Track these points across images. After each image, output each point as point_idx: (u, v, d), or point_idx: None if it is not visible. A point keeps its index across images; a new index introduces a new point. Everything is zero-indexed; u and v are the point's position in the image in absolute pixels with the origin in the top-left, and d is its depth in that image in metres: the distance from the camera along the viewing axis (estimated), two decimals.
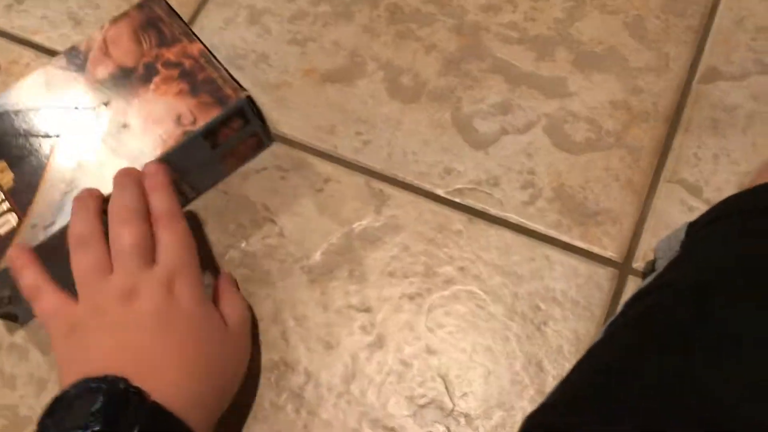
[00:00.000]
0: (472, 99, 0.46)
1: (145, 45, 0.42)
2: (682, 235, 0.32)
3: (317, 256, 0.43)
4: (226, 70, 0.42)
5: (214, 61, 0.42)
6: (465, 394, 0.39)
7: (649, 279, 0.30)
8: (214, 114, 0.40)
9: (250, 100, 0.41)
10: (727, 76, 0.45)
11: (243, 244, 0.43)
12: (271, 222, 0.44)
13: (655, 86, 0.46)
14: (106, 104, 0.41)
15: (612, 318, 0.30)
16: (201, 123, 0.40)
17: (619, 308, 0.30)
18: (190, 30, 0.43)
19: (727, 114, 0.44)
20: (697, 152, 0.43)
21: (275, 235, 0.43)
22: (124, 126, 0.41)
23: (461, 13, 0.49)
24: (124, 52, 0.43)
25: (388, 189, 0.44)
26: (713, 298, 0.24)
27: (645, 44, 0.47)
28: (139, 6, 0.45)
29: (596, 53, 0.47)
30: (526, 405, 0.38)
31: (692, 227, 0.31)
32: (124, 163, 0.39)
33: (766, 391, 0.21)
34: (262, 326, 0.41)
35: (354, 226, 0.43)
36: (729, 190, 0.42)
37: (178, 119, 0.40)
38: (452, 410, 0.38)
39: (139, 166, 0.38)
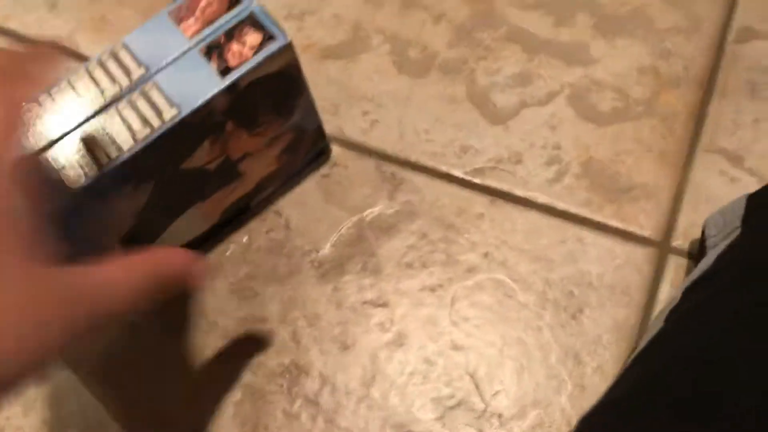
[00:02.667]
0: (487, 70, 0.43)
1: None
2: (740, 210, 0.28)
3: (327, 249, 0.39)
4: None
5: None
6: (497, 393, 0.35)
7: (708, 260, 0.27)
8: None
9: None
10: (762, 35, 0.42)
11: (245, 239, 0.40)
12: (275, 213, 0.40)
13: (685, 49, 0.42)
14: None
15: (672, 305, 0.26)
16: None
17: (678, 293, 0.26)
18: None
19: (766, 76, 0.41)
20: (736, 118, 0.40)
21: (280, 228, 0.40)
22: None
23: None
24: None
25: (401, 172, 0.41)
26: None
27: (672, 3, 0.43)
28: None
29: (619, 16, 0.43)
30: (564, 401, 0.35)
31: (753, 200, 0.28)
32: None
33: None
34: (269, 328, 0.37)
35: (365, 214, 0.40)
36: None
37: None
38: (484, 411, 0.35)
39: None
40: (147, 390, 0.37)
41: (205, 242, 0.39)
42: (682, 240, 0.37)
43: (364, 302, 0.38)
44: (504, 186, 0.40)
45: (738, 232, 0.27)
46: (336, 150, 0.41)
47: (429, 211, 0.39)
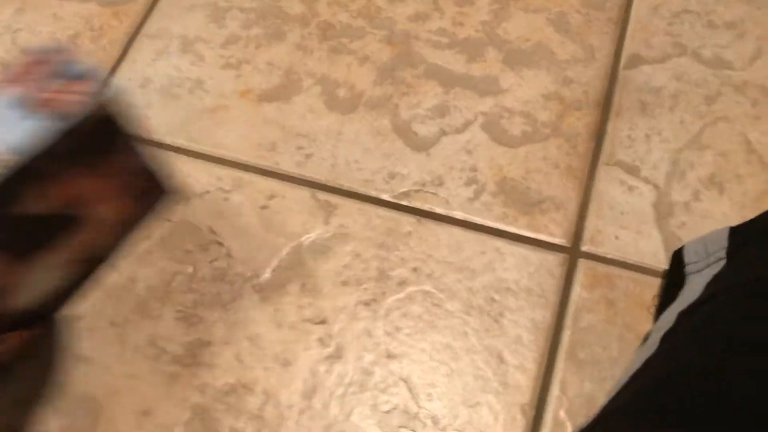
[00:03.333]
0: (409, 104, 0.47)
1: None
2: (723, 241, 0.30)
3: (267, 274, 0.42)
4: None
5: None
6: (429, 396, 0.38)
7: (695, 287, 0.29)
8: None
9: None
10: (649, 60, 0.47)
11: (190, 270, 0.42)
12: (218, 244, 0.43)
13: (583, 76, 0.47)
14: None
15: (667, 328, 0.28)
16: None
17: (673, 317, 0.28)
18: None
19: (654, 95, 0.46)
20: (630, 134, 0.45)
21: (223, 257, 0.42)
22: None
23: (390, 24, 0.50)
24: None
25: (335, 199, 0.44)
26: None
27: (569, 38, 0.49)
28: None
29: (524, 50, 0.48)
30: (492, 399, 0.38)
31: (736, 233, 0.30)
32: None
33: None
34: (214, 350, 0.40)
35: (302, 239, 0.43)
36: (664, 168, 0.43)
37: None
38: (417, 413, 0.37)
39: None
40: (101, 415, 0.38)
41: (72, 292, 0.40)
42: (589, 245, 0.41)
43: (304, 320, 0.40)
44: (428, 206, 0.43)
45: (723, 262, 0.29)
46: (272, 183, 0.45)
47: (361, 233, 0.43)
